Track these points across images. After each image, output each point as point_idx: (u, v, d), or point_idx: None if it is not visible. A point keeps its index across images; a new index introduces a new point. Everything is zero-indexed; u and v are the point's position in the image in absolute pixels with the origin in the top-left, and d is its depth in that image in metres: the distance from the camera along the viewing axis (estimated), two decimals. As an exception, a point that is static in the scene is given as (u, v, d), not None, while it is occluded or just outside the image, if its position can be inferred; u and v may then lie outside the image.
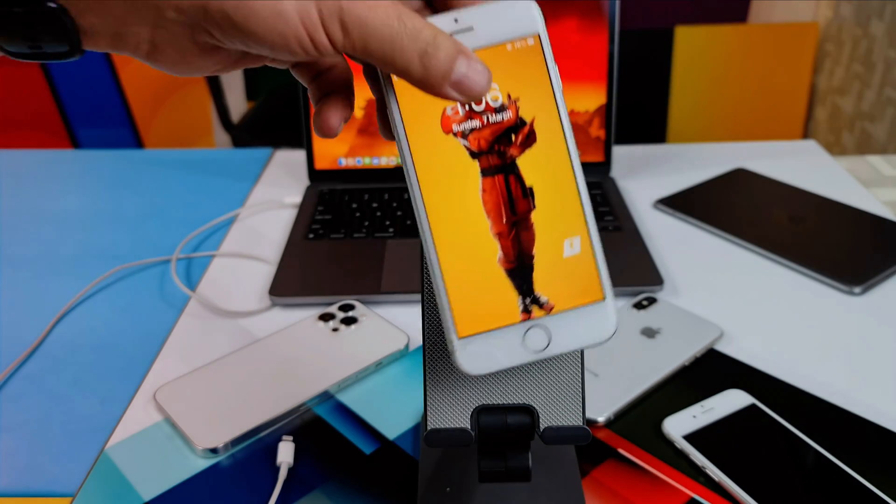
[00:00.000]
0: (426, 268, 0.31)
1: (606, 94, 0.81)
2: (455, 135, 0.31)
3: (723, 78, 1.78)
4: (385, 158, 0.84)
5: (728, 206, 0.80)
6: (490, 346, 0.31)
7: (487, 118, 0.31)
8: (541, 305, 0.31)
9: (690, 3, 1.83)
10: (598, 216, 0.76)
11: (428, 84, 0.29)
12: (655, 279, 0.66)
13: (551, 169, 0.31)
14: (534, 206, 0.31)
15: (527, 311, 0.31)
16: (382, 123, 0.34)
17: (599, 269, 0.31)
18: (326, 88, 0.35)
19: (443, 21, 0.30)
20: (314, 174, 0.85)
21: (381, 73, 0.30)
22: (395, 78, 0.30)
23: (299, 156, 0.94)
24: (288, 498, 0.47)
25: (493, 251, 0.31)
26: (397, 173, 0.84)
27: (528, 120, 0.31)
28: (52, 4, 0.29)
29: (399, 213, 0.78)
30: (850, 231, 0.74)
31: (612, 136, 0.84)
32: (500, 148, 0.31)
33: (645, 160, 0.92)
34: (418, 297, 0.61)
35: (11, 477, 0.50)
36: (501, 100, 0.31)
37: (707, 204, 0.80)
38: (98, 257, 0.75)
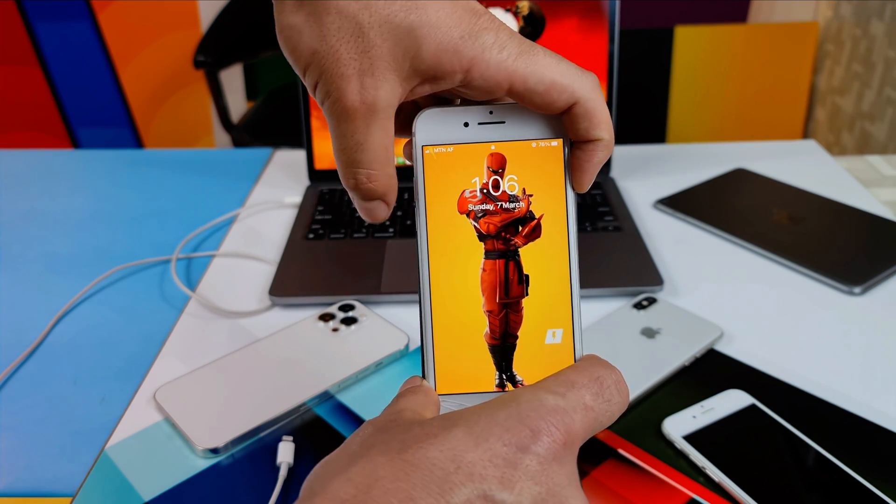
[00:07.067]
0: (421, 314, 0.34)
1: (606, 94, 0.81)
2: (468, 215, 0.33)
3: (723, 78, 1.78)
4: (385, 158, 0.84)
5: (728, 206, 0.80)
6: (462, 407, 0.34)
7: (500, 206, 0.33)
8: (514, 383, 0.33)
9: (690, 3, 1.83)
10: (598, 216, 0.76)
11: None
12: (655, 279, 0.66)
13: (550, 264, 0.33)
14: (526, 294, 0.33)
15: (501, 385, 0.33)
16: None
17: (576, 361, 0.33)
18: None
19: (478, 112, 0.32)
20: (314, 174, 0.85)
21: (413, 147, 0.33)
22: (425, 153, 0.33)
23: (299, 156, 0.94)
24: (288, 498, 0.47)
25: (481, 325, 0.33)
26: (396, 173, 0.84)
27: (537, 215, 0.33)
28: None
29: (399, 212, 0.78)
30: (850, 231, 0.74)
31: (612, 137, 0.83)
32: (507, 235, 0.33)
33: (645, 160, 0.92)
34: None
35: (11, 477, 0.50)
36: (517, 192, 0.33)
37: (707, 204, 0.80)
38: (98, 257, 0.75)
